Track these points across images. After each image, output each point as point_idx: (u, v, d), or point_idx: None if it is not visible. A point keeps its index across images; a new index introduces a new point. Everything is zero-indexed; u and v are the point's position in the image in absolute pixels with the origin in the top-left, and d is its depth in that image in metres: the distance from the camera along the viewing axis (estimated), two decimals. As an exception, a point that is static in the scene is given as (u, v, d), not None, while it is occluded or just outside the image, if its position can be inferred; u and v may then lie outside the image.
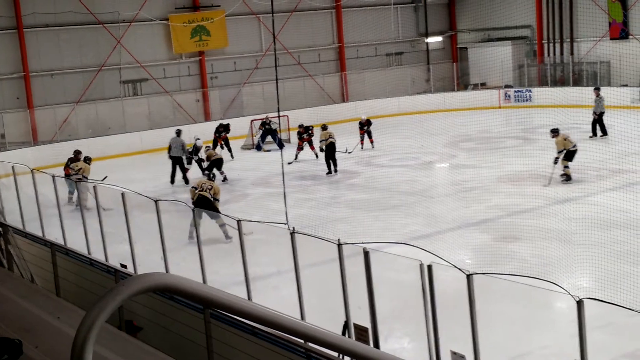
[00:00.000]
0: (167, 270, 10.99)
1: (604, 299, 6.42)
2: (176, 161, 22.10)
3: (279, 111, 15.93)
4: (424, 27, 38.29)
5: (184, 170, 22.12)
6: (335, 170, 22.17)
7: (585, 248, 12.65)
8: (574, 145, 18.64)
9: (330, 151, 22.13)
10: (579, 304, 6.06)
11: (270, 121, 27.85)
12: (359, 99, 34.75)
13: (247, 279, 9.72)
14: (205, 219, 14.21)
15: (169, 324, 8.82)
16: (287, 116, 28.34)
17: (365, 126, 26.06)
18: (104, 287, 10.04)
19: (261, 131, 28.33)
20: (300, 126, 25.03)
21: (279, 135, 27.28)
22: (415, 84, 37.16)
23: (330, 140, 22.33)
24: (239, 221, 9.73)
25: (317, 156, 23.73)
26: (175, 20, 32.11)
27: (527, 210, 16.17)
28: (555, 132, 18.92)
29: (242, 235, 9.70)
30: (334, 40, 36.52)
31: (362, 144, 25.87)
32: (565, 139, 18.63)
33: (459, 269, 7.09)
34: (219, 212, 15.10)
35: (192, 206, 11.05)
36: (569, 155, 18.56)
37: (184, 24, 32.28)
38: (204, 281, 10.43)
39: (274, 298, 10.69)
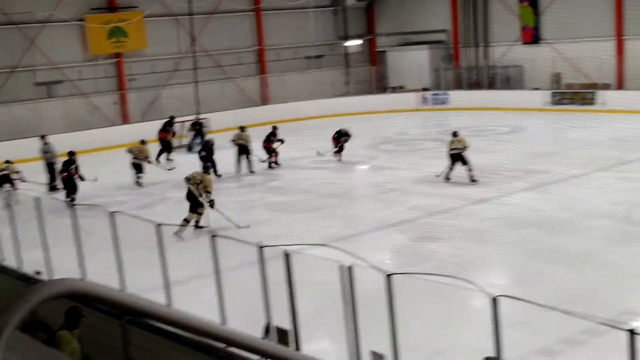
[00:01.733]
0: (84, 277, 10.77)
1: (517, 296, 6.61)
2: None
3: (198, 114, 15.77)
4: (343, 30, 38.62)
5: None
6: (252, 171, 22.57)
7: (500, 247, 13.01)
8: (457, 149, 18.79)
9: (241, 152, 22.58)
10: (494, 301, 6.23)
11: (201, 122, 27.67)
12: (279, 102, 34.78)
13: (167, 284, 9.61)
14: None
15: (85, 331, 8.63)
16: (207, 119, 28.13)
17: (342, 137, 23.38)
18: (16, 295, 9.76)
19: (193, 132, 28.03)
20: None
21: (206, 138, 27.03)
22: (334, 87, 37.44)
23: (242, 142, 22.59)
24: (158, 225, 9.62)
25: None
26: (91, 21, 31.45)
27: (445, 210, 16.50)
28: (455, 135, 19.28)
29: (161, 240, 9.59)
30: (254, 42, 36.44)
31: (340, 155, 23.38)
32: (452, 141, 18.95)
33: (379, 269, 7.19)
34: (200, 206, 15.76)
35: (109, 210, 10.87)
36: (453, 158, 18.82)
37: (100, 25, 31.64)
38: (123, 287, 10.26)
39: (195, 302, 10.58)
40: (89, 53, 31.69)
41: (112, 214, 10.40)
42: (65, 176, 19.69)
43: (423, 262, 12.39)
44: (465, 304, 10.70)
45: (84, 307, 8.69)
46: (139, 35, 32.59)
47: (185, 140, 28.43)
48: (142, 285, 10.30)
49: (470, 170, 18.74)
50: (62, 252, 12.07)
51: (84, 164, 23.58)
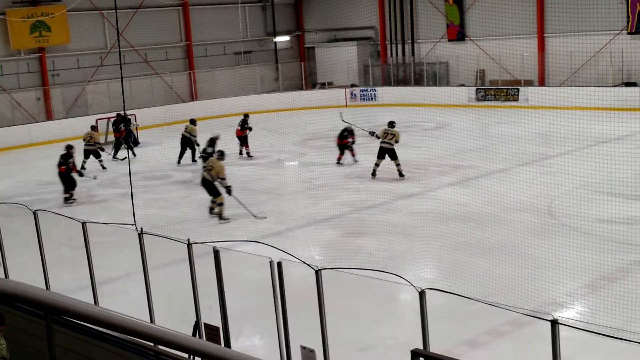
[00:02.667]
0: (6, 276, 10.50)
1: (444, 289, 6.74)
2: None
3: (124, 109, 15.54)
4: (272, 26, 38.57)
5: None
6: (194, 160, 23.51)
7: (427, 241, 13.21)
8: (390, 143, 19.01)
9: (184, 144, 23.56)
10: (421, 294, 6.34)
11: (129, 119, 27.12)
12: (208, 98, 34.52)
13: (93, 283, 9.45)
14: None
15: (8, 333, 8.41)
16: (135, 115, 27.70)
17: (349, 137, 21.74)
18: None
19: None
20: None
21: (135, 134, 26.63)
22: (264, 82, 37.38)
23: (185, 133, 23.61)
24: (83, 223, 9.45)
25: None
26: (12, 14, 30.56)
27: (373, 205, 16.67)
28: (390, 124, 19.57)
29: (88, 237, 9.42)
30: (181, 38, 36.05)
31: (353, 155, 21.83)
32: (385, 132, 19.25)
33: (308, 265, 7.23)
34: (217, 192, 16.08)
35: (32, 209, 10.61)
36: (382, 151, 19.12)
37: (22, 19, 30.78)
38: (47, 287, 10.04)
39: (123, 301, 10.44)
40: (11, 47, 30.80)
41: (35, 213, 10.16)
42: (63, 170, 19.03)
43: (353, 257, 12.50)
44: (394, 298, 10.85)
45: (7, 307, 8.47)
46: (63, 29, 31.84)
47: (111, 137, 27.89)
48: (68, 285, 10.12)
49: (398, 165, 18.97)
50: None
51: (5, 162, 22.99)
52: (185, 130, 23.68)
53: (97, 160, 22.83)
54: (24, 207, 10.77)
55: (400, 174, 18.90)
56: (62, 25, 31.75)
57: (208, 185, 16.26)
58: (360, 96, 35.03)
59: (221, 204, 16.16)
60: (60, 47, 32.09)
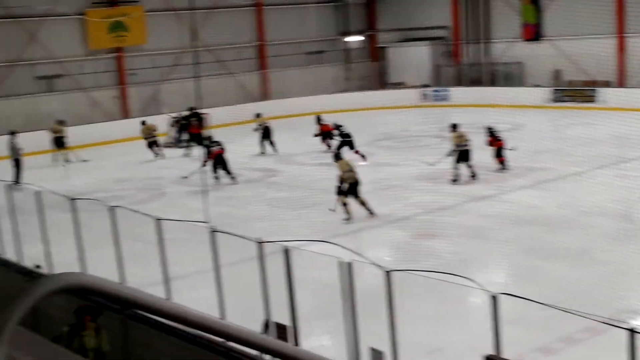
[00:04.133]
0: (84, 271, 10.77)
1: (517, 294, 6.61)
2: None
3: (195, 108, 15.73)
4: (344, 26, 38.58)
5: None
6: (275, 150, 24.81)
7: (499, 244, 13.01)
8: (465, 145, 18.80)
9: (266, 134, 24.96)
10: (494, 299, 6.23)
11: (184, 118, 27.64)
12: (279, 98, 34.75)
13: (167, 279, 9.61)
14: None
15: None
16: (208, 114, 28.10)
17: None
18: (17, 289, 9.77)
19: (177, 127, 28.04)
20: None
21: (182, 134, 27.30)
22: (335, 82, 37.40)
23: (266, 125, 24.96)
24: (157, 220, 9.62)
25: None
26: (92, 15, 31.40)
27: (445, 207, 16.49)
28: (454, 127, 19.33)
29: (161, 234, 9.59)
30: (254, 38, 36.40)
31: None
32: (460, 136, 18.97)
33: (378, 266, 7.19)
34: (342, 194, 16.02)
35: (109, 204, 10.86)
36: (461, 155, 18.72)
37: (101, 19, 31.59)
38: (122, 281, 10.26)
39: (194, 297, 10.58)
40: (90, 47, 31.65)
41: (111, 209, 10.39)
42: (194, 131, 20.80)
43: (422, 259, 12.37)
44: (465, 302, 10.70)
45: (85, 301, 8.69)
46: (140, 29, 32.56)
47: (167, 138, 28.33)
48: (142, 280, 10.32)
49: (471, 166, 18.75)
50: (61, 246, 12.08)
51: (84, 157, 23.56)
52: (263, 122, 25.06)
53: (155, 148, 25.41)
54: (100, 203, 11.04)
55: (473, 176, 18.68)
56: (139, 25, 32.47)
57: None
58: (433, 96, 34.71)
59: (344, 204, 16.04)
60: (137, 47, 32.81)
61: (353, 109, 33.22)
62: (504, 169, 19.56)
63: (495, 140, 19.85)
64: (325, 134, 24.70)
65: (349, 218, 15.71)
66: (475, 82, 35.54)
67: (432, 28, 37.13)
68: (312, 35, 37.60)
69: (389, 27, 39.09)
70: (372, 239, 14.40)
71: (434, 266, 10.26)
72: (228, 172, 20.60)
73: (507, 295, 6.36)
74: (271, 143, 25.08)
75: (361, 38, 39.34)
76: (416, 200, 17.32)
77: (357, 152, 22.40)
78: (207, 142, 21.23)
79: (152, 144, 25.72)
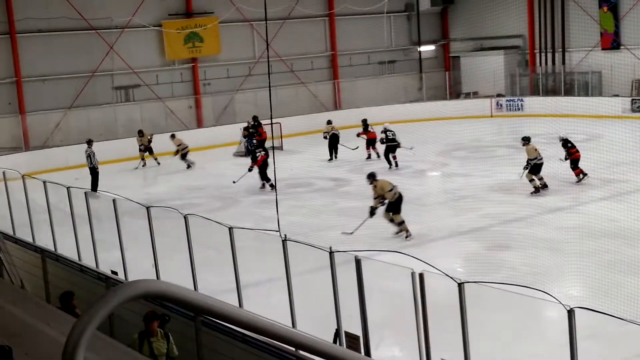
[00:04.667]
0: (157, 278, 10.96)
1: (594, 308, 6.43)
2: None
3: (271, 118, 15.91)
4: (417, 35, 38.40)
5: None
6: (336, 157, 25.67)
7: (576, 257, 12.68)
8: (541, 158, 18.52)
9: (333, 141, 25.78)
10: (570, 313, 6.08)
11: (252, 127, 27.94)
12: (351, 107, 34.77)
13: (239, 287, 9.70)
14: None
15: (159, 331, 8.77)
16: (280, 123, 28.32)
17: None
18: (94, 294, 10.02)
19: (246, 137, 28.36)
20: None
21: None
22: (407, 92, 37.23)
23: (334, 132, 25.66)
24: (230, 228, 9.72)
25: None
26: (168, 26, 32.10)
27: (519, 219, 16.20)
28: (526, 140, 19.01)
29: (234, 242, 9.69)
30: (327, 48, 36.57)
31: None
32: (536, 149, 18.65)
33: (451, 278, 7.10)
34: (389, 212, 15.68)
35: (183, 212, 11.03)
36: (535, 168, 18.43)
37: (177, 31, 32.27)
38: (195, 288, 10.40)
39: (265, 306, 10.64)
40: (166, 58, 32.35)
41: (185, 217, 10.56)
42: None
43: (496, 271, 12.18)
44: (540, 315, 10.47)
45: (159, 307, 8.85)
46: (214, 40, 33.11)
47: (239, 147, 28.63)
48: (214, 287, 10.45)
49: (541, 178, 18.44)
50: (137, 253, 12.34)
51: (158, 166, 24.09)
52: (332, 129, 25.76)
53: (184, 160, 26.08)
54: (175, 211, 11.22)
55: (545, 186, 18.38)
56: (213, 36, 33.03)
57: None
58: (507, 106, 34.18)
59: (391, 220, 15.72)
60: (212, 57, 33.37)
61: (425, 118, 32.99)
62: (581, 180, 19.11)
63: (573, 152, 19.40)
64: (370, 141, 25.41)
65: (409, 235, 15.37)
66: (551, 91, 34.85)
67: (507, 37, 36.61)
68: (385, 44, 37.55)
69: (463, 36, 38.72)
70: (444, 249, 14.24)
71: (508, 278, 10.07)
72: (263, 177, 21.03)
73: (583, 309, 6.19)
74: (335, 150, 25.76)
75: (434, 47, 39.08)
76: (490, 211, 17.06)
77: (394, 157, 23.54)
78: (256, 149, 21.67)
79: (184, 156, 26.33)
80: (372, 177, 16.30)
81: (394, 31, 38.01)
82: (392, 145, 23.49)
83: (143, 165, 27.12)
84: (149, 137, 27.15)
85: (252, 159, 21.70)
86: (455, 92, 37.73)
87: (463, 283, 6.94)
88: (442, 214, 17.02)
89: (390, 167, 23.27)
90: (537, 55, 35.97)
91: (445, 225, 15.92)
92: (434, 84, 37.94)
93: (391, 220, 15.66)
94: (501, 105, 34.37)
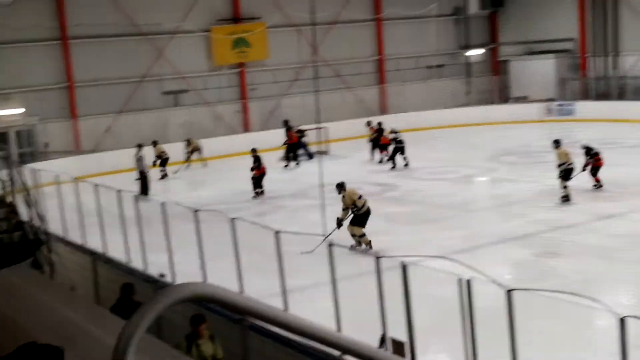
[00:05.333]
0: (205, 280, 11.05)
1: (647, 318, 6.27)
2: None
3: (318, 123, 15.93)
4: (465, 39, 38.11)
5: None
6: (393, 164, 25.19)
7: (627, 265, 12.43)
8: (571, 163, 18.06)
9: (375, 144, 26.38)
10: (622, 321, 5.95)
11: (298, 132, 28.11)
12: (398, 112, 34.65)
13: (284, 291, 9.71)
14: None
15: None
16: (326, 128, 28.38)
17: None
18: (143, 296, 10.13)
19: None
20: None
21: (308, 147, 27.72)
22: (455, 96, 36.95)
23: (375, 136, 26.22)
24: (276, 232, 9.74)
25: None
26: (216, 32, 32.41)
27: (569, 225, 15.94)
28: (557, 144, 18.57)
29: (280, 246, 9.71)
30: (373, 52, 36.52)
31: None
32: (567, 153, 18.22)
33: (499, 284, 7.00)
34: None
35: (230, 216, 11.09)
36: (567, 173, 17.97)
37: (225, 36, 32.56)
38: (241, 292, 10.45)
39: (311, 310, 10.64)
40: (214, 63, 32.65)
41: (232, 220, 10.62)
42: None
43: (545, 279, 12.01)
44: (590, 324, 10.28)
45: (206, 310, 8.91)
46: (262, 45, 33.32)
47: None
48: (260, 291, 10.48)
49: (566, 187, 18.09)
50: (184, 256, 12.45)
51: (207, 171, 24.29)
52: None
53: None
54: (222, 214, 11.30)
55: (567, 198, 17.91)
56: (261, 41, 33.24)
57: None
58: (557, 111, 33.68)
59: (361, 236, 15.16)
60: (259, 62, 33.58)
61: (474, 123, 32.71)
62: (598, 187, 18.67)
63: (597, 159, 18.96)
64: (383, 146, 25.91)
65: (370, 249, 14.79)
66: (603, 96, 34.24)
67: (557, 40, 36.09)
68: (432, 48, 37.35)
69: (512, 39, 38.31)
70: (492, 256, 14.08)
71: (558, 286, 9.92)
72: (257, 186, 21.56)
73: (635, 318, 6.06)
74: (373, 151, 26.41)
75: (482, 51, 38.76)
76: (539, 217, 16.82)
77: (405, 158, 24.49)
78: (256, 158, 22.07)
79: (164, 163, 26.55)
80: (340, 186, 15.81)
81: (442, 35, 37.79)
82: (400, 146, 24.67)
83: (187, 167, 27.67)
84: (197, 145, 28.01)
85: (257, 167, 21.85)
86: (504, 97, 37.33)
87: (511, 290, 6.85)
88: (490, 220, 16.85)
89: (393, 167, 24.52)
90: (589, 58, 35.39)
91: (494, 232, 15.75)
92: (482, 88, 37.61)
93: (353, 235, 15.07)
94: (551, 109, 33.89)
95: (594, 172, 18.82)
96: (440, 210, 18.20)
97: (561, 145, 18.48)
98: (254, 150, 22.21)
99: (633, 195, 18.21)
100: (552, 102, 34.47)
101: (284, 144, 27.63)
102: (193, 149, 27.98)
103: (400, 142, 24.75)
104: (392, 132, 25.13)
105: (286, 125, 28.21)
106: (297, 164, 27.14)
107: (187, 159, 27.92)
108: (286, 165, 26.90)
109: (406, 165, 24.44)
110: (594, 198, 17.91)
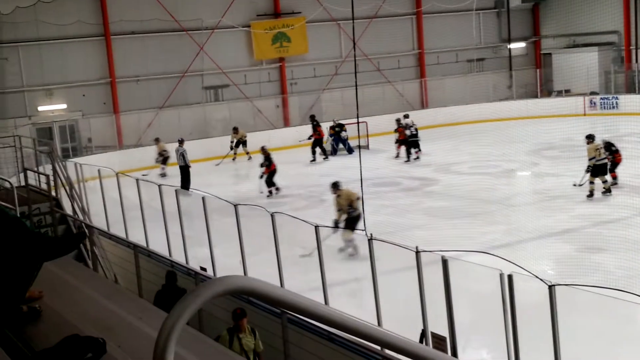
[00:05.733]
0: (245, 274, 11.11)
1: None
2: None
3: (357, 117, 15.90)
4: (507, 32, 37.69)
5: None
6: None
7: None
8: (604, 158, 18.06)
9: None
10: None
11: (338, 126, 28.12)
12: (439, 106, 34.42)
13: (324, 285, 9.72)
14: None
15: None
16: (366, 122, 28.28)
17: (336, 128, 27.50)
18: (184, 289, 10.23)
19: (332, 136, 28.53)
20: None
21: (348, 141, 27.71)
22: (496, 90, 36.58)
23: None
24: (316, 227, 9.76)
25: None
26: (256, 27, 32.52)
27: (613, 220, 15.69)
28: (590, 139, 18.53)
29: (320, 240, 9.72)
30: (414, 46, 36.31)
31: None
32: (597, 149, 18.14)
33: (541, 280, 6.92)
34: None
35: (270, 210, 11.13)
36: (597, 169, 17.92)
37: (265, 31, 32.66)
38: (282, 285, 10.48)
39: (351, 304, 10.66)
40: (254, 58, 32.77)
41: (272, 215, 10.65)
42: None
43: (588, 274, 11.82)
44: (635, 320, 10.11)
45: (246, 304, 8.96)
46: (302, 40, 33.35)
47: (326, 146, 28.79)
48: (301, 285, 10.51)
49: (606, 181, 18.05)
50: (225, 250, 12.54)
51: (246, 166, 24.42)
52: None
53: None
54: (262, 209, 11.35)
55: (591, 194, 17.91)
56: (301, 36, 33.27)
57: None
58: (601, 104, 33.14)
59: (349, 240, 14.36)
60: (299, 57, 33.62)
61: (516, 117, 32.34)
62: (615, 184, 18.45)
63: (617, 155, 18.87)
64: (402, 141, 26.24)
65: (354, 254, 14.14)
66: (647, 89, 33.59)
67: (601, 33, 35.49)
68: (473, 42, 36.99)
69: (554, 32, 37.78)
70: (534, 251, 13.91)
71: (601, 281, 9.76)
72: (270, 184, 21.43)
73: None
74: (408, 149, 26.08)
75: (524, 44, 38.29)
76: (582, 212, 16.59)
77: (417, 152, 25.17)
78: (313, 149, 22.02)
79: (165, 161, 26.20)
80: (335, 186, 15.37)
81: (483, 28, 37.41)
82: (415, 140, 25.46)
83: (233, 159, 28.12)
84: (244, 135, 28.22)
85: (266, 165, 21.74)
86: (546, 90, 36.86)
87: (554, 285, 6.76)
88: (532, 215, 16.64)
89: (407, 160, 25.15)
90: (633, 51, 34.72)
91: (536, 226, 15.56)
92: (525, 81, 37.15)
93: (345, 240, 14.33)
94: (595, 103, 33.36)
95: (612, 168, 18.76)
96: (482, 205, 18.04)
97: (594, 140, 18.43)
98: (263, 149, 22.10)
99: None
100: (595, 95, 33.92)
101: (309, 138, 27.60)
102: (240, 139, 28.24)
103: (415, 135, 25.53)
104: (408, 126, 25.86)
105: (313, 120, 28.20)
106: (326, 157, 27.13)
107: (232, 151, 28.26)
108: (313, 160, 26.85)
109: (416, 158, 25.36)
110: (636, 193, 17.58)
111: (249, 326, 8.58)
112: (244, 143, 28.37)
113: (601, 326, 9.91)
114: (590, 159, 18.12)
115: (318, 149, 27.40)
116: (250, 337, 8.56)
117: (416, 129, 25.79)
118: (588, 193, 17.94)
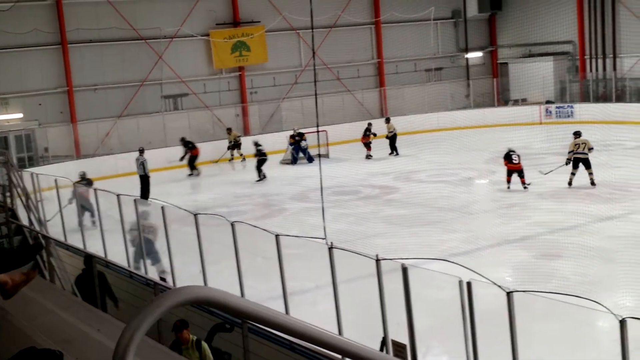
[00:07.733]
0: (205, 284, 11.05)
1: (647, 319, 6.27)
2: None
3: (317, 126, 15.95)
4: (464, 42, 38.14)
5: None
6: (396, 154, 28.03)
7: (628, 267, 12.41)
8: (582, 152, 19.43)
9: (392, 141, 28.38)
10: (622, 323, 5.95)
11: (298, 135, 28.11)
12: (398, 115, 34.65)
13: (285, 294, 9.71)
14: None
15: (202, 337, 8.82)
16: (326, 131, 28.37)
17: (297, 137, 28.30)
18: (143, 300, 10.13)
19: (292, 145, 28.51)
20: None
21: (308, 150, 27.71)
22: (454, 99, 36.98)
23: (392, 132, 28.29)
24: (276, 236, 9.74)
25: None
26: (216, 36, 32.43)
27: (569, 227, 15.94)
28: (575, 135, 20.05)
29: (280, 249, 9.70)
30: (373, 55, 36.54)
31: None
32: (576, 144, 19.62)
33: (499, 287, 7.00)
34: None
35: (230, 219, 11.08)
36: (577, 162, 19.36)
37: (224, 40, 32.58)
38: (242, 295, 10.44)
39: (312, 313, 10.65)
40: (214, 67, 32.66)
41: (232, 224, 10.62)
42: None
43: (545, 281, 11.99)
44: (591, 326, 10.27)
45: (206, 313, 8.90)
46: (261, 49, 33.33)
47: (285, 155, 28.76)
48: (261, 294, 10.49)
49: (591, 174, 19.19)
50: (184, 259, 12.45)
51: (206, 174, 24.25)
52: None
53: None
54: (222, 218, 11.30)
55: (593, 183, 19.17)
56: (260, 45, 33.26)
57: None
58: (556, 113, 33.69)
59: None
60: (259, 66, 33.60)
61: (473, 126, 32.73)
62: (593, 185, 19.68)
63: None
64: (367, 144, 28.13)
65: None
66: (602, 98, 34.26)
67: (556, 43, 36.13)
68: (431, 51, 37.36)
69: (511, 42, 38.35)
70: (492, 258, 14.08)
71: (558, 288, 9.91)
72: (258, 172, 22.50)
73: (636, 319, 6.05)
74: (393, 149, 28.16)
75: (481, 54, 38.78)
76: (539, 219, 16.82)
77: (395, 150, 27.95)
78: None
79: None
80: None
81: (441, 38, 37.82)
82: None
83: (230, 160, 29.47)
84: (237, 136, 29.49)
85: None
86: (503, 99, 37.36)
87: (512, 292, 6.84)
88: (490, 222, 16.84)
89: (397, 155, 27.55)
90: (588, 61, 35.41)
91: (494, 234, 15.74)
92: (482, 91, 37.63)
93: None
94: (550, 112, 33.91)
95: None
96: (441, 213, 18.19)
97: (580, 137, 19.89)
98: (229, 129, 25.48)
99: (632, 196, 18.20)
100: (551, 104, 34.48)
101: (181, 159, 27.40)
102: (234, 140, 29.23)
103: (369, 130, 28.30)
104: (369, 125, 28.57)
105: (184, 142, 27.72)
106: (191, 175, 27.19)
107: (229, 152, 29.36)
108: (258, 180, 26.02)
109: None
110: (593, 200, 17.90)
111: (193, 338, 8.34)
112: (239, 146, 29.05)
113: (558, 331, 10.05)
114: (569, 152, 19.67)
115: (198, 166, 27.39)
116: (193, 352, 8.27)
117: (395, 133, 28.34)
118: (568, 182, 19.43)
